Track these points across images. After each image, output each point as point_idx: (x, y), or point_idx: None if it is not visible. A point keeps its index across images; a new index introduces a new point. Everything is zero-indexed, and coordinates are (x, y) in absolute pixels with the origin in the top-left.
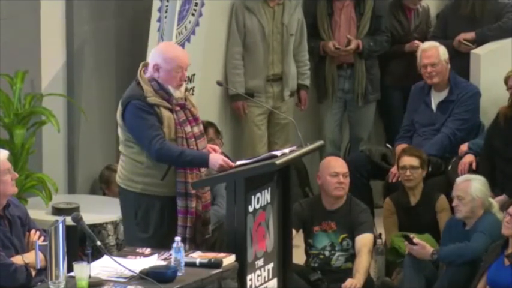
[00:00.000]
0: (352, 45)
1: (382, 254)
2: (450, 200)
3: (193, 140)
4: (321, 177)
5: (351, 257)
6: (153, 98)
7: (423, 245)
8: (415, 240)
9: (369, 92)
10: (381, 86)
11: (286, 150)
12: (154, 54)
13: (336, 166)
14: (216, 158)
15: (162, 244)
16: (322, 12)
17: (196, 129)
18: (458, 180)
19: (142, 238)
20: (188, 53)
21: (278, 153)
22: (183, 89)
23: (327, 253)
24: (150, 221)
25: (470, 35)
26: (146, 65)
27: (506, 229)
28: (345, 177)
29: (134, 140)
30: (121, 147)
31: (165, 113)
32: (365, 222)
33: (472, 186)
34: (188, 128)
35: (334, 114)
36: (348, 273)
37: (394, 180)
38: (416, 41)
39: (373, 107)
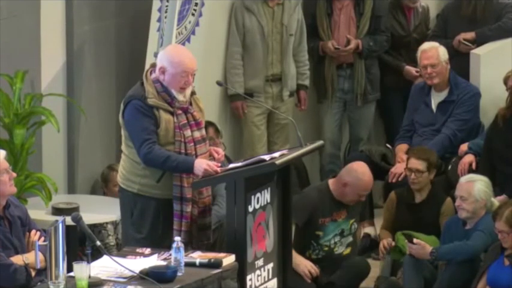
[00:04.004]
0: (352, 45)
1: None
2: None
3: (192, 144)
4: (348, 185)
5: (351, 243)
6: (153, 100)
7: (423, 245)
8: (415, 240)
9: (368, 92)
10: (381, 86)
11: (276, 154)
12: (162, 57)
13: (368, 189)
14: (201, 163)
15: (156, 246)
16: (321, 12)
17: (197, 134)
18: (462, 180)
19: (136, 238)
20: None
21: (267, 157)
22: (188, 92)
23: (332, 242)
24: (145, 222)
25: (470, 35)
26: (154, 66)
27: (505, 243)
28: (366, 196)
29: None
30: (123, 147)
31: (164, 116)
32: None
33: (475, 187)
34: (188, 132)
35: (334, 114)
36: (347, 258)
37: (394, 180)
38: (415, 71)
39: (372, 107)
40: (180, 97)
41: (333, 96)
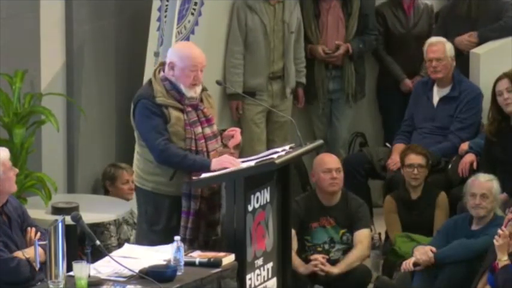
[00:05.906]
0: (341, 51)
1: (379, 248)
2: (450, 197)
3: (203, 141)
4: (315, 174)
5: (349, 251)
6: (162, 99)
7: (426, 259)
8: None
9: (358, 91)
10: (381, 86)
11: (287, 147)
12: (172, 52)
13: (328, 162)
14: (220, 161)
15: (169, 241)
16: (308, 14)
17: (208, 130)
18: (482, 179)
19: (151, 236)
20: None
21: (279, 149)
22: (198, 89)
23: (326, 246)
24: (160, 219)
25: (474, 37)
26: (163, 64)
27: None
28: (338, 172)
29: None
30: (136, 146)
31: (174, 113)
32: (363, 217)
33: (494, 186)
34: (198, 129)
35: (325, 114)
36: None
37: (394, 168)
38: (411, 83)
39: (363, 106)
40: (190, 93)
41: (322, 96)
